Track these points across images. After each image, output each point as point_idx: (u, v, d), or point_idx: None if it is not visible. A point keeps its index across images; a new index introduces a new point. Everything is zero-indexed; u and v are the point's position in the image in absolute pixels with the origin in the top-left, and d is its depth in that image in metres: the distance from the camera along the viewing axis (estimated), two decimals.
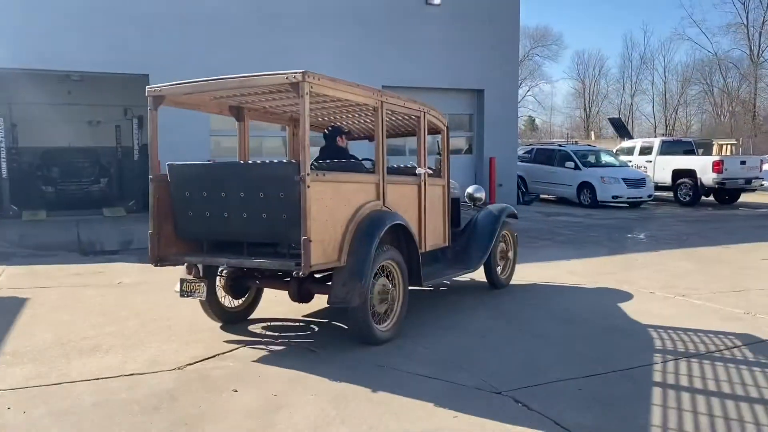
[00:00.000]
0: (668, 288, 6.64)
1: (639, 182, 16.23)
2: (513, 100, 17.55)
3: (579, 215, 14.43)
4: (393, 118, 5.54)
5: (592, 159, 17.62)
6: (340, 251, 4.31)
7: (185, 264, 4.69)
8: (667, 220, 13.76)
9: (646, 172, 17.78)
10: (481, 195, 6.83)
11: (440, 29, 15.46)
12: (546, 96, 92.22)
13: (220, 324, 5.11)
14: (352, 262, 4.32)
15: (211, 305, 4.98)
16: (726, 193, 17.68)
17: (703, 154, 20.38)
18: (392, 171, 5.18)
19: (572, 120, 63.38)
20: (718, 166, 16.46)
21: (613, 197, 15.92)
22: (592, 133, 55.52)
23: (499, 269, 6.58)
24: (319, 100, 4.72)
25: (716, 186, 16.75)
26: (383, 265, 4.65)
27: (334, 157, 5.36)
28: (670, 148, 18.74)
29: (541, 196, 18.16)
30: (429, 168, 5.57)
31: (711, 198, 17.92)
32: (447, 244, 6.02)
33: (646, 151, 18.93)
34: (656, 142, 19.18)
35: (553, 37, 62.57)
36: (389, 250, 4.70)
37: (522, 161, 18.27)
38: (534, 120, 63.55)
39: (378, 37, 14.64)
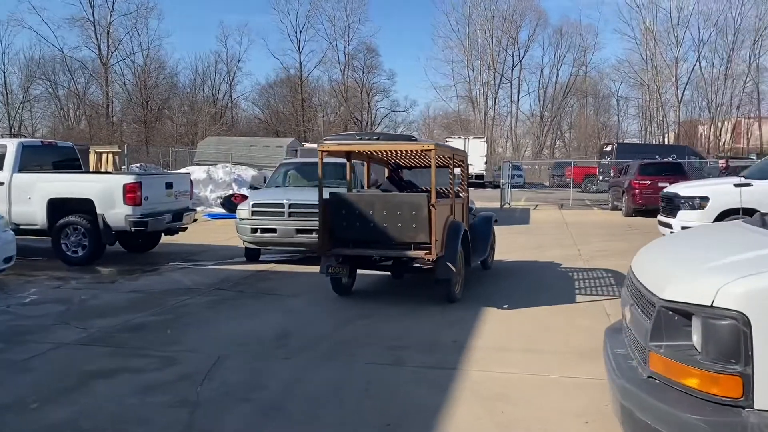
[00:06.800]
0: None
1: None
2: None
3: None
4: (439, 159, 8.52)
5: None
6: (442, 245, 7.24)
7: (327, 255, 7.31)
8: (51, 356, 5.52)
9: None
10: (474, 205, 10.04)
11: None
12: None
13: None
14: (448, 253, 7.27)
15: (339, 283, 7.70)
16: (141, 237, 11.07)
17: (81, 164, 12.10)
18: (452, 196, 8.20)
19: None
20: (133, 194, 9.58)
21: None
22: None
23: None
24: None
25: (132, 229, 9.74)
26: None
27: (400, 185, 8.40)
28: (39, 156, 10.72)
29: None
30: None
31: (118, 246, 10.88)
32: None
33: None
34: (11, 148, 10.28)
35: None
36: None
37: None
38: None
39: None
